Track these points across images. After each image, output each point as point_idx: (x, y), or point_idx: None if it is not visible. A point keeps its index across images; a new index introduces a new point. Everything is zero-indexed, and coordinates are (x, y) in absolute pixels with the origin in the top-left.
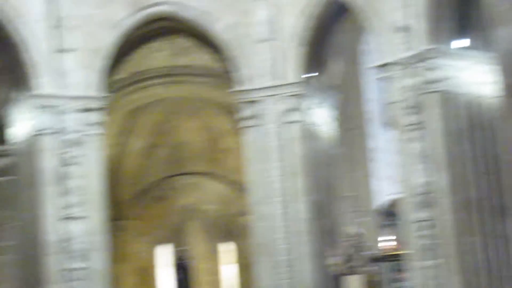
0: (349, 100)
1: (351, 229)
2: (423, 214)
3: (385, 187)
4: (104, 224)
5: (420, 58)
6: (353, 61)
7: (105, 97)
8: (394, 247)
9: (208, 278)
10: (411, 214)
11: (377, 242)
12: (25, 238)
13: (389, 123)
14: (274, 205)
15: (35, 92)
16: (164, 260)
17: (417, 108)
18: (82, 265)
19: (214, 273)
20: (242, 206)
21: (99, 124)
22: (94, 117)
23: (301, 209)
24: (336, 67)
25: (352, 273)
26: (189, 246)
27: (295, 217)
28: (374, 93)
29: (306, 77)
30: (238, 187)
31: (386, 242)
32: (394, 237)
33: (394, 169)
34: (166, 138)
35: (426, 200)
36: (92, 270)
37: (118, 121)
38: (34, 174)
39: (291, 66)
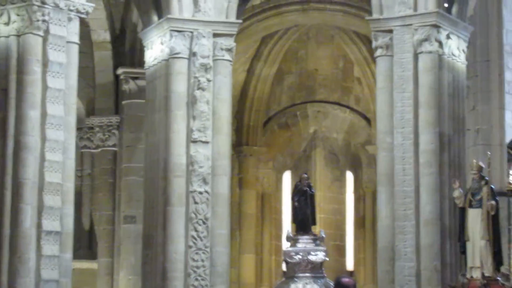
0: (486, 31)
1: (477, 163)
2: None
3: None
4: (229, 149)
5: None
6: None
7: (238, 23)
8: None
9: (332, 206)
10: None
11: (504, 176)
12: (153, 160)
13: None
14: (401, 136)
15: (172, 15)
16: (287, 186)
17: None
18: (206, 188)
19: (338, 201)
20: (368, 135)
21: (230, 50)
22: (225, 42)
23: (428, 140)
24: None
25: (474, 206)
26: (313, 174)
27: (421, 148)
28: None
29: (441, 7)
30: (366, 116)
31: None
32: None
33: None
34: (297, 65)
35: None
36: (216, 194)
37: (249, 47)
38: (166, 97)
39: None
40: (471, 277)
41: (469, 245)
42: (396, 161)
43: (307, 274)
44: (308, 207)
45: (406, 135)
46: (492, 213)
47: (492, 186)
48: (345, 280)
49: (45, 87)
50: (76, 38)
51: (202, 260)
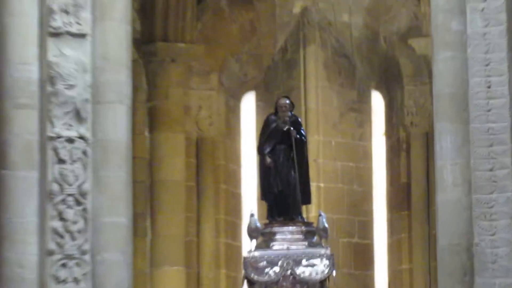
0: None
1: None
2: None
3: None
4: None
5: None
6: None
7: None
8: None
9: (342, 165)
10: None
11: None
12: None
13: None
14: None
15: None
16: (251, 124)
17: None
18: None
19: (355, 154)
20: (415, 17)
21: None
22: None
23: None
24: None
25: None
26: (302, 97)
27: None
28: None
29: None
30: None
31: None
32: None
33: None
34: None
35: None
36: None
37: None
38: None
39: None
40: None
41: None
42: (474, 69)
43: None
44: (293, 167)
45: (492, 16)
46: None
47: None
48: None
49: None
50: None
51: None
